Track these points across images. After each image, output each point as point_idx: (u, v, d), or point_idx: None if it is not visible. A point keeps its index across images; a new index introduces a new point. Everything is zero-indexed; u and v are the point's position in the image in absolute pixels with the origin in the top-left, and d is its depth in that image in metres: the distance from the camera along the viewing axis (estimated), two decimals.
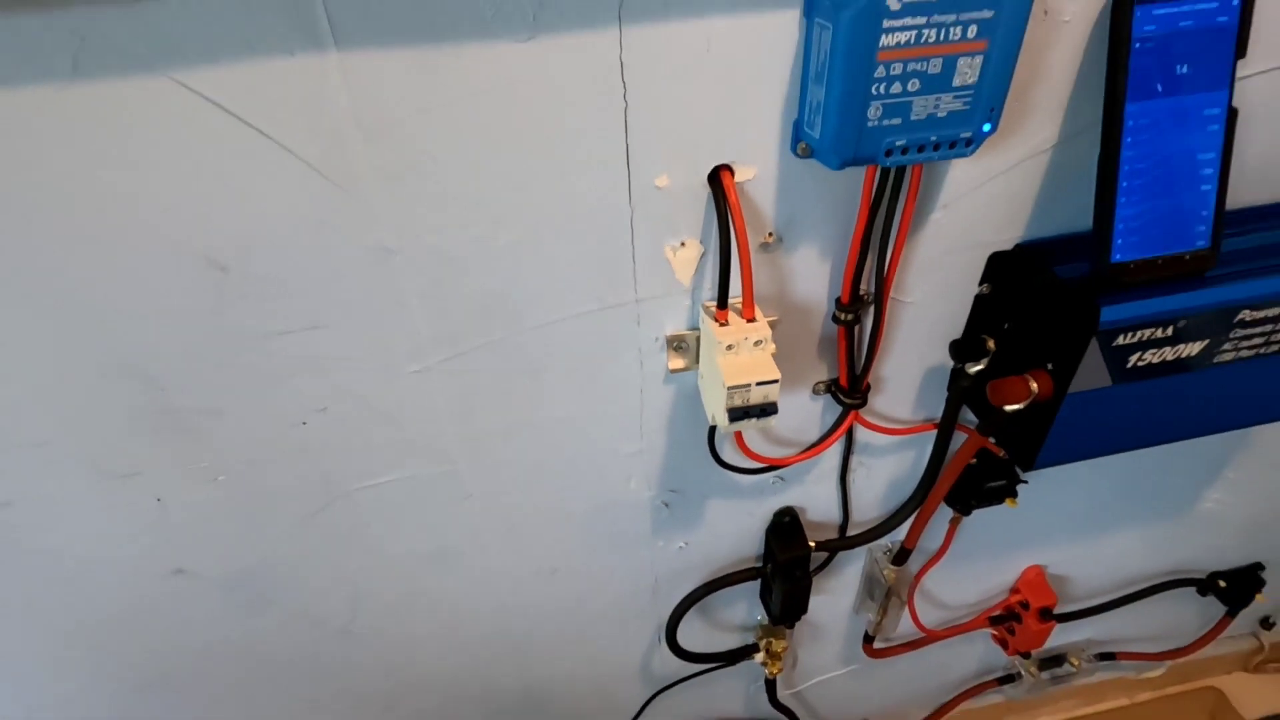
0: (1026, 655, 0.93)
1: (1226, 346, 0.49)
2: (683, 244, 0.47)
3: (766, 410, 0.47)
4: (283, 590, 0.62)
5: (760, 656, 0.80)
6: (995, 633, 0.93)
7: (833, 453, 0.64)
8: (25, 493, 0.50)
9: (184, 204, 0.40)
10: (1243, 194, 0.52)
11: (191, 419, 0.49)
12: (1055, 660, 1.03)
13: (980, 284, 0.54)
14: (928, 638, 0.88)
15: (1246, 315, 0.48)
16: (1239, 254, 0.49)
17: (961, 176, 0.48)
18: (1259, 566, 0.97)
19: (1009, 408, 0.52)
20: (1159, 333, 0.47)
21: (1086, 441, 0.54)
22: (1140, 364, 0.49)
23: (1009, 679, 1.03)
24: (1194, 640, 1.05)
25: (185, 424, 0.49)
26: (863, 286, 0.51)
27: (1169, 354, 0.49)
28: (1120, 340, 0.47)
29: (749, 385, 0.46)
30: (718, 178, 0.44)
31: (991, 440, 0.59)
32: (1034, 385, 0.50)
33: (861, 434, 0.63)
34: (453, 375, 0.51)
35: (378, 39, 0.37)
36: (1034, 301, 0.51)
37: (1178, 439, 0.56)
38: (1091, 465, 0.73)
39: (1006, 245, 0.52)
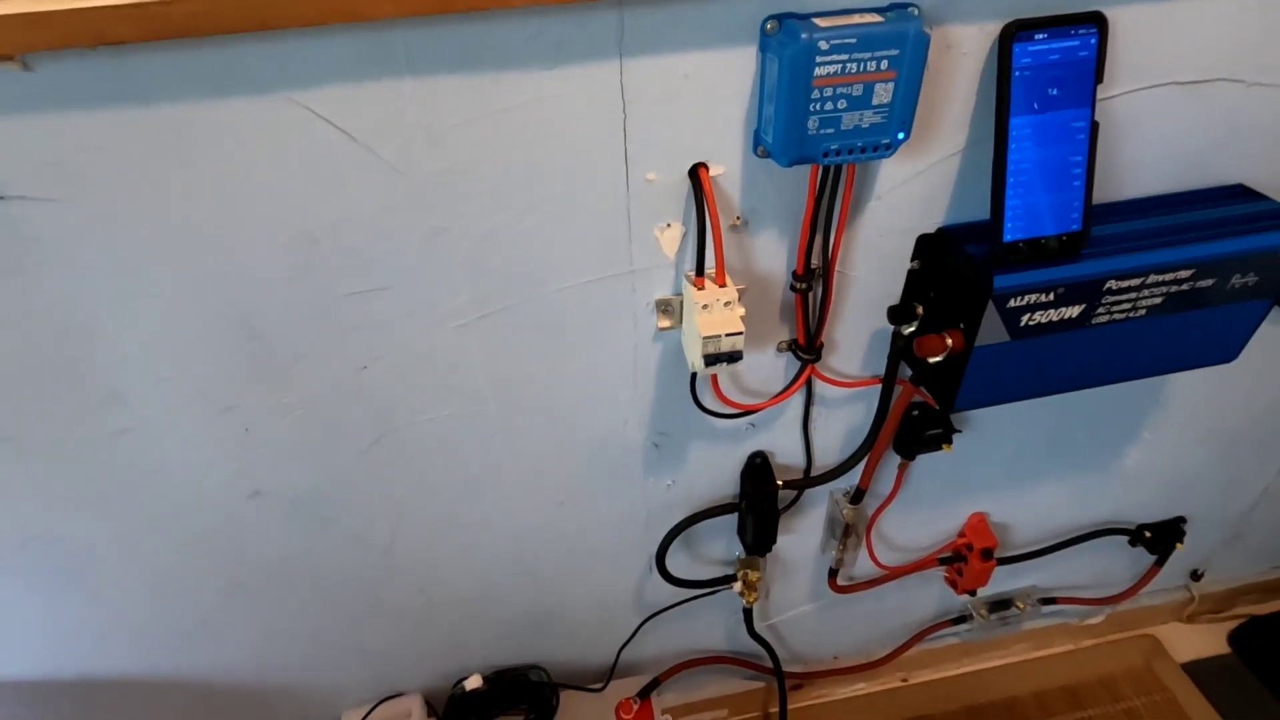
0: (973, 593, 1.05)
1: (1100, 310, 0.62)
2: (668, 225, 0.60)
3: (734, 357, 0.60)
4: (338, 513, 0.75)
5: (738, 586, 0.93)
6: (946, 574, 1.06)
7: (795, 403, 0.77)
8: (145, 420, 0.63)
9: (290, 190, 0.52)
10: (1114, 190, 0.64)
11: (280, 362, 0.61)
12: (1003, 604, 1.16)
13: (911, 261, 0.67)
14: (885, 576, 1.01)
15: (1113, 284, 0.60)
16: (1109, 237, 0.61)
17: (891, 173, 0.60)
18: (1181, 520, 1.10)
19: (931, 360, 0.65)
20: (1043, 297, 0.60)
21: (995, 388, 0.67)
22: (1031, 323, 0.61)
23: (962, 619, 1.16)
24: (1128, 588, 1.18)
25: (275, 366, 0.61)
26: (814, 261, 0.64)
27: (1054, 315, 0.61)
28: (1012, 303, 0.59)
29: (720, 336, 0.59)
30: (696, 173, 0.56)
31: (922, 389, 0.72)
32: (949, 341, 0.63)
33: (819, 387, 0.76)
34: (486, 331, 0.64)
35: (439, 68, 0.49)
36: (950, 273, 0.64)
37: (1069, 389, 0.69)
38: (1019, 422, 0.87)
39: (930, 229, 0.65)
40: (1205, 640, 1.31)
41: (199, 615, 0.81)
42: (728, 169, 0.57)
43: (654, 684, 1.02)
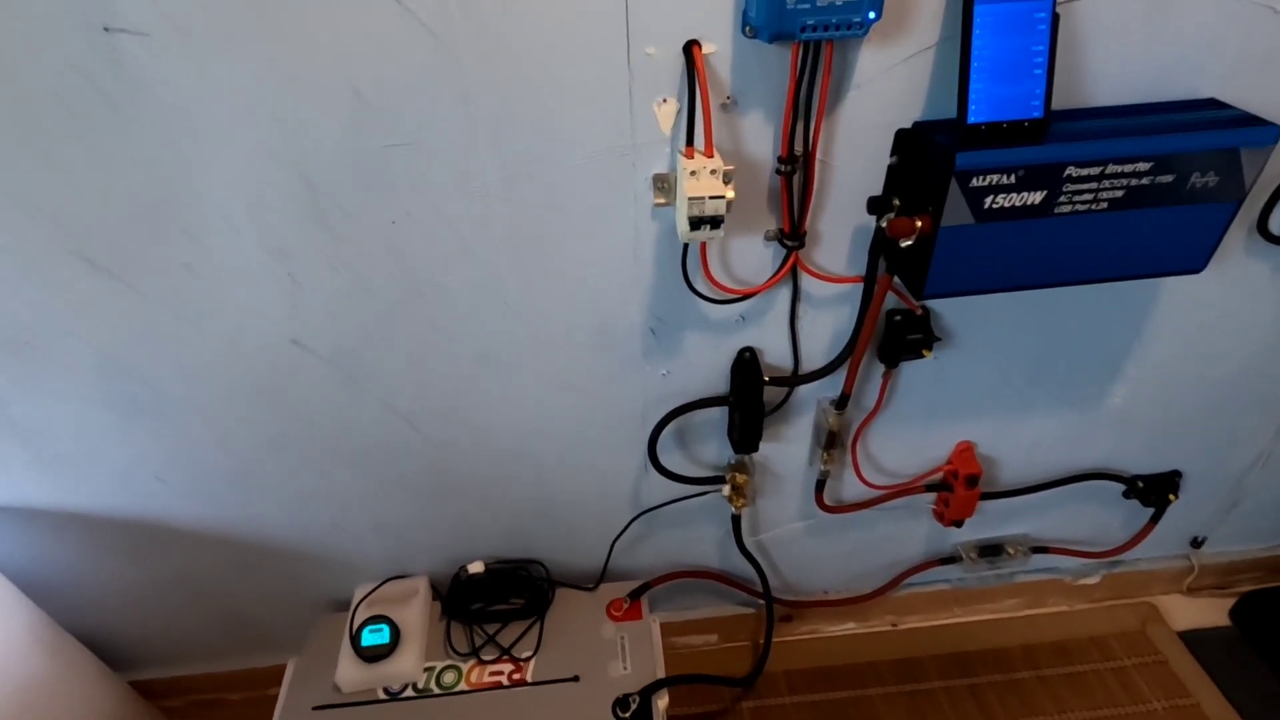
0: (959, 524, 1.08)
1: (1062, 199, 0.67)
2: (665, 100, 0.67)
3: (716, 221, 0.67)
4: (366, 374, 0.84)
5: (726, 489, 0.99)
6: (934, 506, 1.10)
7: (783, 297, 0.83)
8: (206, 259, 0.73)
9: (341, 44, 0.61)
10: (1083, 97, 0.69)
11: (326, 212, 0.70)
12: (994, 549, 1.19)
13: (890, 156, 0.73)
14: (873, 500, 1.05)
15: (1073, 171, 0.66)
16: (1072, 131, 0.66)
17: (868, 62, 0.67)
18: (1176, 474, 1.12)
19: (903, 243, 0.70)
20: (1005, 179, 0.65)
21: (962, 275, 0.72)
22: (995, 206, 0.67)
23: (952, 560, 1.19)
24: (1123, 543, 1.19)
25: (322, 216, 0.71)
26: (797, 147, 0.70)
27: (1016, 200, 0.67)
28: (975, 182, 0.65)
29: (704, 199, 0.66)
30: (690, 50, 0.64)
31: (897, 282, 0.77)
32: (918, 223, 0.69)
33: (805, 283, 0.82)
34: (503, 197, 0.72)
35: None
36: (922, 162, 0.69)
37: (1036, 284, 0.74)
38: (1000, 341, 0.91)
39: (907, 124, 0.71)
40: (1205, 612, 1.30)
41: (243, 465, 0.91)
42: (719, 48, 0.64)
43: (645, 587, 1.08)
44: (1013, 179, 0.65)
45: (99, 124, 0.63)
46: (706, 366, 0.88)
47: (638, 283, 0.80)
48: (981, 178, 0.65)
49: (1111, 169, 0.66)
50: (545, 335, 0.83)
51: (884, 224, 0.73)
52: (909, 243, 0.70)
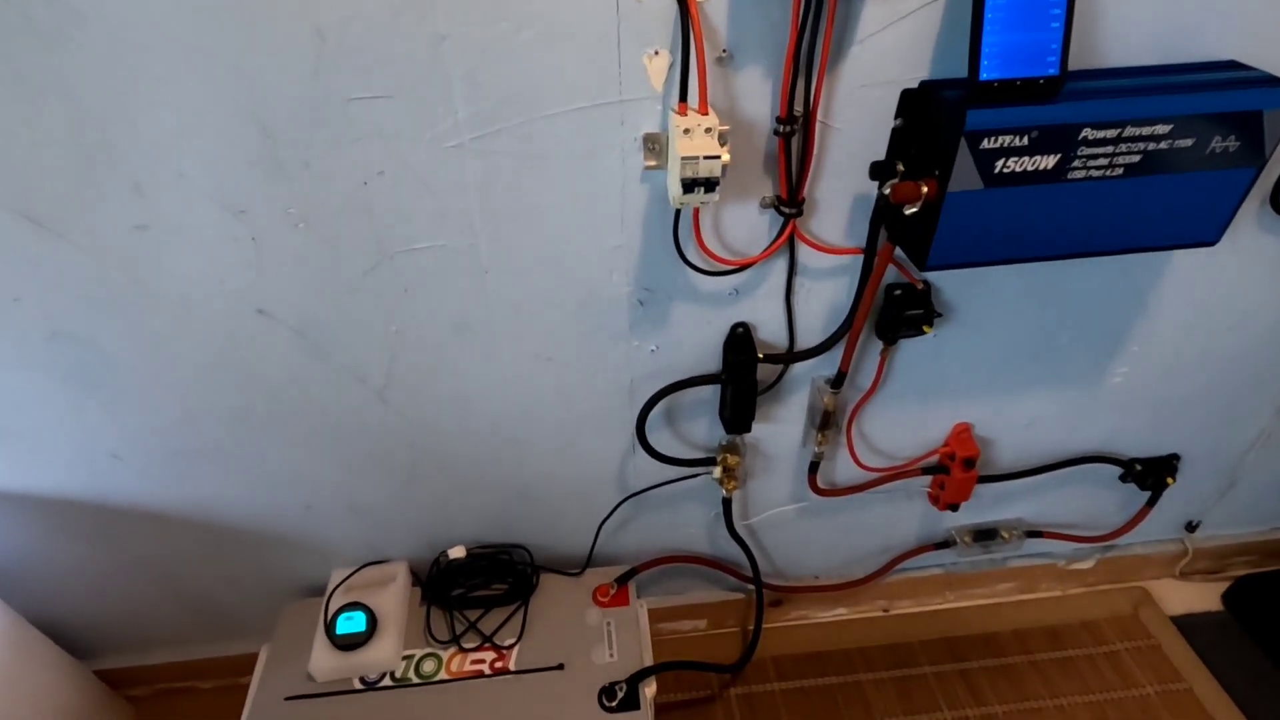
0: (955, 508, 1.06)
1: (1076, 164, 0.63)
2: (656, 53, 0.62)
3: (711, 185, 0.63)
4: (336, 345, 0.79)
5: (717, 471, 0.95)
6: (929, 489, 1.07)
7: (779, 270, 0.79)
8: (162, 217, 0.67)
9: None
10: (1099, 58, 0.65)
11: (289, 168, 0.65)
12: (988, 534, 1.16)
13: (895, 119, 0.69)
14: (867, 483, 1.02)
15: (1089, 134, 0.62)
16: (1088, 90, 0.63)
17: (874, 14, 0.62)
18: (1174, 457, 1.10)
19: (907, 209, 0.66)
20: (1017, 141, 0.61)
21: (969, 244, 0.68)
22: (1005, 171, 0.63)
23: (946, 545, 1.17)
24: (1118, 527, 1.17)
25: (285, 172, 0.66)
26: (797, 107, 0.66)
27: (1028, 164, 0.63)
28: (985, 144, 0.61)
29: (698, 159, 0.61)
30: None
31: (899, 253, 0.73)
32: (924, 188, 0.65)
33: (802, 254, 0.78)
34: (479, 155, 0.67)
35: None
36: (929, 123, 0.65)
37: (1046, 255, 0.70)
38: (1003, 316, 0.87)
39: (913, 83, 0.67)
40: (1198, 596, 1.29)
41: (207, 442, 0.86)
42: None
43: (632, 572, 1.04)
44: (1025, 141, 0.61)
45: (26, 58, 0.57)
46: (697, 342, 0.84)
47: (625, 250, 0.75)
48: (993, 139, 0.61)
49: (1130, 131, 0.62)
50: (526, 305, 0.79)
51: (887, 190, 0.69)
52: (914, 209, 0.66)
